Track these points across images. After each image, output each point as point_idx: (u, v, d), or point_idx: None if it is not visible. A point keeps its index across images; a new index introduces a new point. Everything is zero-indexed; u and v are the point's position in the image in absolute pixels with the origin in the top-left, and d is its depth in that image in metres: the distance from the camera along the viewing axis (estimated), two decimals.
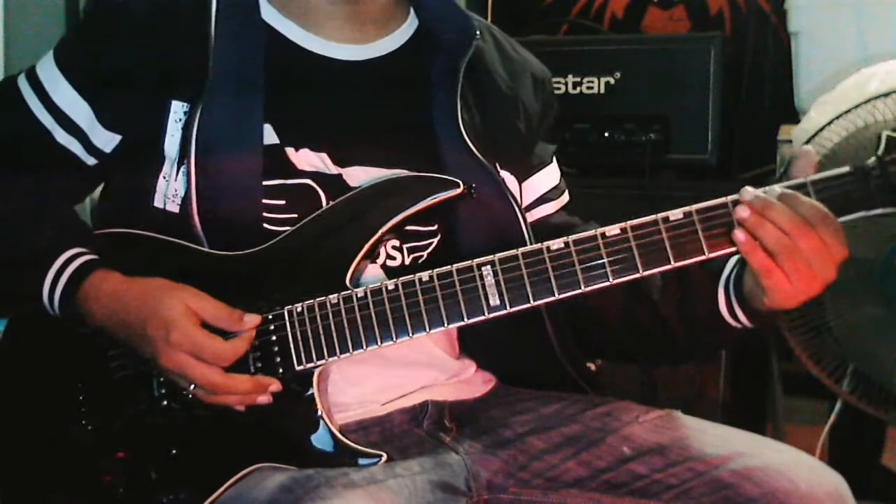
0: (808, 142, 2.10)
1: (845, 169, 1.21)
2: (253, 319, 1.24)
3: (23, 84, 1.38)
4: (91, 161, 1.37)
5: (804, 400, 2.65)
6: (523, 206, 1.45)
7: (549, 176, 1.53)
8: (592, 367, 1.70)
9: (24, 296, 1.30)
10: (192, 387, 1.22)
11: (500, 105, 1.45)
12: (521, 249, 1.24)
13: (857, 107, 2.04)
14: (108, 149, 1.36)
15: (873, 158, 1.21)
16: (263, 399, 1.24)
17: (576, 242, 1.23)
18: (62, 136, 1.35)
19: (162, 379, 1.27)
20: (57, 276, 1.27)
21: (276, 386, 1.24)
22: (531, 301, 1.23)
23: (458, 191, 1.30)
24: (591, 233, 1.23)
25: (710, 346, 1.46)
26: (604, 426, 1.34)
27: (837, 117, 2.06)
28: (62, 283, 1.27)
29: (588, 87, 2.62)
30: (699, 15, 3.25)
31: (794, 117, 2.53)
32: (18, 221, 1.33)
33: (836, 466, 1.27)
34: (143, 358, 1.25)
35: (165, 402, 1.27)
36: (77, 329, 1.30)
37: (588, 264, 1.22)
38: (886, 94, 2.01)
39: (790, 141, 2.33)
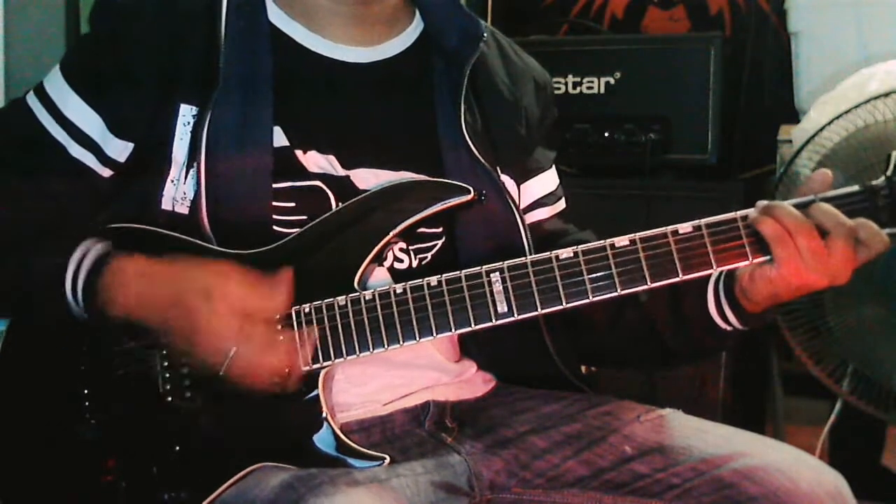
0: (808, 142, 2.10)
1: (854, 188, 1.22)
2: (287, 272, 1.22)
3: (32, 101, 1.36)
4: (106, 173, 1.35)
5: (804, 400, 2.65)
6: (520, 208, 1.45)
7: (546, 181, 1.53)
8: (593, 368, 1.70)
9: (45, 293, 1.27)
10: (231, 355, 1.18)
11: (501, 109, 1.46)
12: (531, 257, 1.24)
13: (857, 107, 2.05)
14: (122, 158, 1.35)
15: (882, 178, 1.22)
16: (300, 366, 1.22)
17: (584, 252, 1.23)
18: (76, 150, 1.34)
19: (168, 375, 1.26)
20: (79, 265, 1.25)
21: (315, 335, 1.23)
22: (539, 309, 1.23)
23: (468, 197, 1.30)
24: (600, 243, 1.23)
25: (701, 348, 1.46)
26: (605, 425, 1.34)
27: (837, 117, 2.07)
28: (84, 270, 1.24)
29: (588, 87, 2.62)
30: (699, 15, 3.25)
31: (794, 117, 2.54)
32: (36, 245, 1.30)
33: (836, 466, 1.27)
34: (176, 335, 1.21)
35: (169, 399, 1.27)
36: (81, 326, 1.29)
37: (596, 274, 1.22)
38: (886, 94, 2.02)
39: (790, 141, 2.34)
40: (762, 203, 1.21)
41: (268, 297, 1.21)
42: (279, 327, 1.22)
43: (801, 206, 1.21)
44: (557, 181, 1.55)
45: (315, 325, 1.24)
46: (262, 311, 1.21)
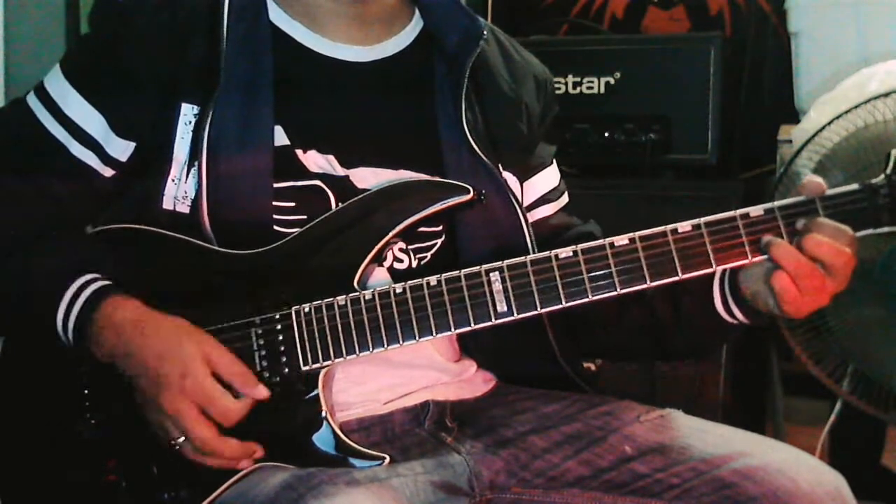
0: (808, 142, 2.10)
1: (854, 186, 1.23)
2: (264, 392, 1.23)
3: (32, 100, 1.36)
4: (108, 172, 1.35)
5: (804, 400, 2.66)
6: (524, 206, 1.45)
7: (549, 177, 1.53)
8: (592, 367, 1.70)
9: (37, 324, 1.27)
10: (182, 439, 1.20)
11: (502, 106, 1.46)
12: (530, 256, 1.24)
13: (857, 107, 2.05)
14: (123, 158, 1.34)
15: (882, 177, 1.23)
16: (245, 465, 1.23)
17: (584, 251, 1.23)
18: (77, 150, 1.33)
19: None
20: (71, 303, 1.24)
21: (260, 453, 1.23)
22: (538, 308, 1.23)
23: (468, 196, 1.30)
24: (599, 242, 1.24)
25: (706, 342, 1.47)
26: (605, 425, 1.34)
27: (837, 117, 2.07)
28: (76, 309, 1.24)
29: (588, 87, 2.62)
30: (699, 15, 3.25)
31: (794, 117, 2.54)
32: (34, 247, 1.30)
33: (836, 466, 1.27)
34: (142, 395, 1.22)
35: None
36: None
37: (595, 273, 1.23)
38: (886, 94, 2.02)
39: (790, 141, 2.34)
40: (766, 238, 1.21)
41: (234, 407, 1.21)
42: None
43: (802, 212, 1.21)
44: (559, 176, 1.55)
45: (306, 328, 1.25)
46: (222, 414, 1.20)
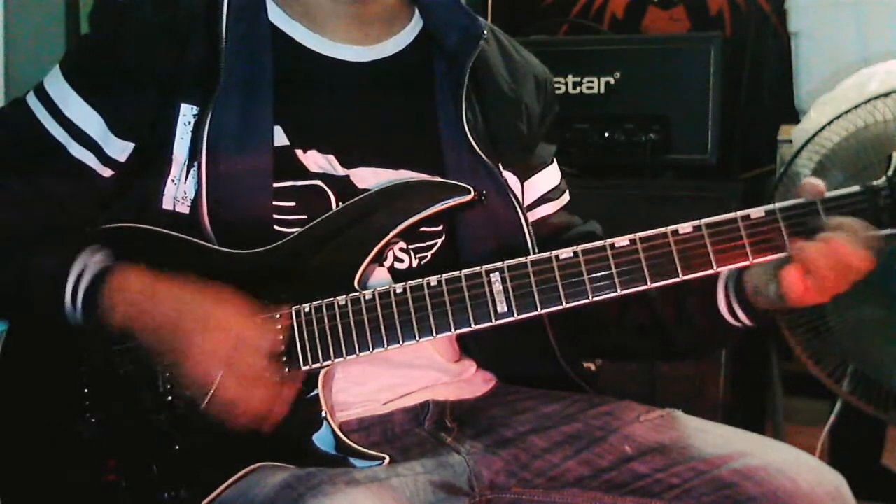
0: (808, 142, 2.10)
1: (855, 188, 1.23)
2: (286, 312, 1.23)
3: (32, 100, 1.36)
4: (107, 172, 1.35)
5: (804, 400, 2.66)
6: (524, 205, 1.45)
7: (550, 176, 1.53)
8: (592, 367, 1.70)
9: (43, 301, 1.27)
10: (210, 393, 1.19)
11: (502, 106, 1.46)
12: (531, 257, 1.24)
13: (857, 107, 2.05)
14: (122, 158, 1.34)
15: (883, 178, 1.23)
16: (264, 420, 1.22)
17: (584, 252, 1.23)
18: (76, 150, 1.33)
19: (168, 375, 1.26)
20: (79, 279, 1.24)
21: (283, 411, 1.23)
22: (539, 309, 1.23)
23: (469, 197, 1.30)
24: (600, 243, 1.24)
25: (708, 344, 1.47)
26: (605, 425, 1.34)
27: (837, 117, 2.07)
28: (85, 282, 1.24)
29: (588, 87, 2.62)
30: (699, 15, 3.25)
31: (794, 117, 2.54)
32: (34, 247, 1.29)
33: (836, 466, 1.27)
34: (167, 357, 1.22)
35: (169, 398, 1.27)
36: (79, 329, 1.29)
37: (596, 274, 1.23)
38: (886, 94, 2.02)
39: (790, 141, 2.34)
40: (798, 245, 1.20)
41: (262, 334, 1.21)
42: (269, 362, 1.22)
43: (803, 213, 1.21)
44: (560, 175, 1.55)
45: (306, 327, 1.25)
46: (254, 345, 1.21)
